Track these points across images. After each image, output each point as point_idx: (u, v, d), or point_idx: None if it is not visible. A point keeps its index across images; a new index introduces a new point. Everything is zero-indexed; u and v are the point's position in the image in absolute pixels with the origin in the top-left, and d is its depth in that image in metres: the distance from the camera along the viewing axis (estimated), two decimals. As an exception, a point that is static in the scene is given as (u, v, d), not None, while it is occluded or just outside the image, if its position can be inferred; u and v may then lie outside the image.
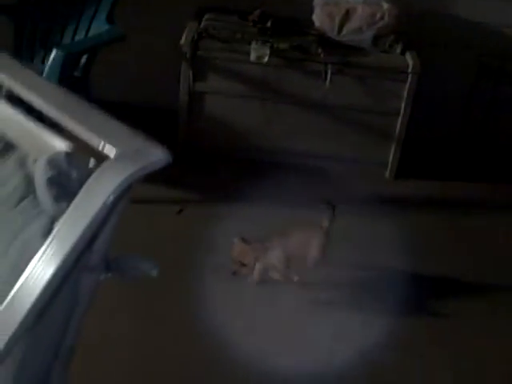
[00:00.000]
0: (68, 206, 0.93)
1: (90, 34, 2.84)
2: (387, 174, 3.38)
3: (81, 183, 0.93)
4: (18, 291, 0.92)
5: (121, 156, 0.94)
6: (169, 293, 2.29)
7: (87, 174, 0.94)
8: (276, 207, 2.87)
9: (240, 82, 3.17)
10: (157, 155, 0.94)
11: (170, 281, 2.19)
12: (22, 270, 0.92)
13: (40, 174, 0.97)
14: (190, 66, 3.08)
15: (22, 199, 1.03)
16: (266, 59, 3.04)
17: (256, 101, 3.20)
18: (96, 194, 0.91)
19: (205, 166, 3.22)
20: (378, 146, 3.33)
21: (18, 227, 1.00)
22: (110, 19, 2.82)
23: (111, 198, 0.90)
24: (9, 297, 0.92)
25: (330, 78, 3.12)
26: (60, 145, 1.04)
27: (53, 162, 0.97)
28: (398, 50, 3.21)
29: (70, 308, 1.01)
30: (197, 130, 3.23)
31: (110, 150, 0.95)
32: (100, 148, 0.96)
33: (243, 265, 2.31)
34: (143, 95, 3.40)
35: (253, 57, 3.04)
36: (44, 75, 2.41)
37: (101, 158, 0.96)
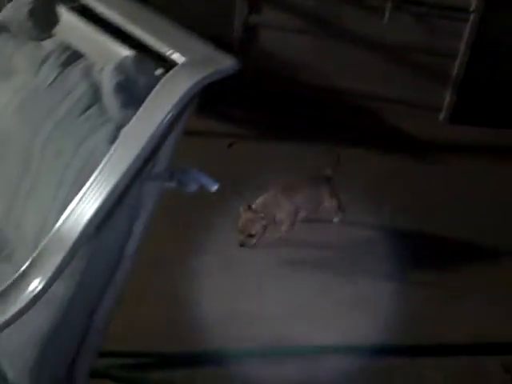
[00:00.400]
0: (135, 112, 0.93)
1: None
2: (441, 117, 3.30)
3: (148, 89, 0.93)
4: (83, 197, 0.93)
5: (189, 63, 0.93)
6: (204, 218, 2.32)
7: (155, 81, 0.93)
8: (322, 147, 2.84)
9: (295, 15, 3.10)
10: (225, 62, 0.92)
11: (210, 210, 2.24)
12: (88, 177, 0.93)
13: (108, 79, 0.97)
14: (246, -3, 3.04)
15: (88, 107, 1.03)
16: (324, -8, 2.97)
17: (310, 36, 3.14)
18: (164, 101, 0.91)
19: (257, 101, 3.19)
20: (433, 88, 3.24)
21: (84, 134, 1.00)
22: None
23: (179, 104, 0.90)
24: (74, 202, 0.93)
25: (389, 14, 3.02)
26: (127, 53, 1.03)
27: (121, 67, 0.96)
28: (461, -12, 3.09)
29: (132, 217, 1.02)
30: (249, 63, 3.18)
31: (178, 58, 0.94)
32: (168, 56, 0.95)
33: (250, 235, 2.19)
34: (197, 25, 3.36)
35: (310, -11, 2.97)
36: None
37: (169, 65, 0.95)
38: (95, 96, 1.03)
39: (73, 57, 1.11)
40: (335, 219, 2.46)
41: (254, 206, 2.21)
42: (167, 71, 0.95)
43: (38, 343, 1.01)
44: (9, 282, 0.89)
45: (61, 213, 0.93)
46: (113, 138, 0.96)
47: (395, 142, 3.14)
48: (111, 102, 0.97)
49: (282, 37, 3.14)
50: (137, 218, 1.02)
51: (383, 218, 2.55)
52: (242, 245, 2.19)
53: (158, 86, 0.91)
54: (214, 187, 1.05)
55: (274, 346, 1.92)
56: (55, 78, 1.09)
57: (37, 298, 0.88)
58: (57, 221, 0.93)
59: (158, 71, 0.98)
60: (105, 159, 0.93)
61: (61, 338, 1.03)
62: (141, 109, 0.92)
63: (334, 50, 3.16)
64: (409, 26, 3.07)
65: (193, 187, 1.03)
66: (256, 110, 3.14)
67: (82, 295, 1.02)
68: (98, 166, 0.93)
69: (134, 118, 0.93)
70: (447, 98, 3.24)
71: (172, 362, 1.82)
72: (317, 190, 2.39)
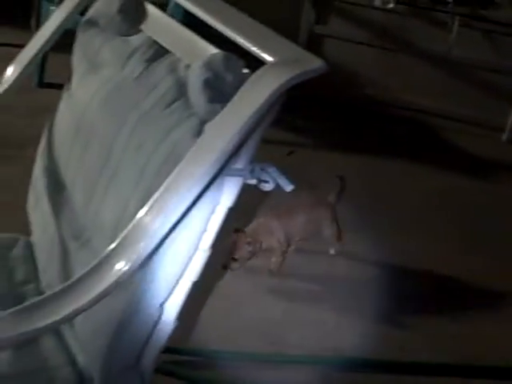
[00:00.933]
0: (220, 108, 0.95)
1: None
2: (504, 138, 3.24)
3: (235, 87, 0.94)
4: (165, 190, 0.94)
5: (278, 62, 0.94)
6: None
7: (242, 79, 0.95)
8: (381, 160, 2.81)
9: (362, 27, 3.11)
10: (313, 64, 0.93)
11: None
12: (171, 169, 0.95)
13: (196, 75, 0.99)
14: (313, 7, 3.05)
15: (173, 101, 1.04)
16: (392, 5, 2.96)
17: (376, 49, 3.14)
18: (251, 99, 0.92)
19: (317, 111, 3.19)
20: (497, 107, 3.20)
21: (168, 127, 1.02)
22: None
23: (266, 103, 0.90)
24: (157, 194, 0.94)
25: (457, 30, 2.99)
26: (213, 51, 1.05)
27: (210, 64, 0.98)
28: (534, 6, 3.04)
29: (210, 212, 1.03)
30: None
31: (266, 57, 0.96)
32: (255, 54, 0.96)
33: (234, 259, 2.04)
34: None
35: (378, 1, 2.97)
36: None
37: (256, 65, 0.97)
38: (180, 91, 1.05)
39: (159, 52, 1.13)
40: (331, 250, 2.30)
41: (245, 230, 2.08)
42: (253, 70, 0.96)
43: (112, 330, 1.02)
44: (90, 266, 0.91)
45: (142, 203, 0.95)
46: (197, 132, 0.97)
47: (453, 160, 3.10)
48: (198, 97, 0.98)
49: (347, 48, 3.14)
50: (214, 213, 1.03)
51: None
52: (224, 267, 2.05)
53: (246, 84, 0.93)
54: (290, 188, 1.05)
55: (323, 355, 1.91)
56: (141, 73, 1.12)
57: (117, 284, 0.89)
58: (137, 210, 0.94)
59: (246, 70, 0.99)
60: (189, 152, 0.94)
61: (133, 327, 1.04)
62: (228, 105, 0.93)
63: (399, 63, 3.15)
64: (476, 42, 3.04)
65: (270, 186, 1.03)
66: (317, 121, 3.15)
67: (155, 285, 1.03)
68: (180, 158, 0.94)
69: (221, 113, 0.94)
70: (511, 117, 3.18)
71: (235, 362, 1.82)
72: (316, 216, 2.24)
